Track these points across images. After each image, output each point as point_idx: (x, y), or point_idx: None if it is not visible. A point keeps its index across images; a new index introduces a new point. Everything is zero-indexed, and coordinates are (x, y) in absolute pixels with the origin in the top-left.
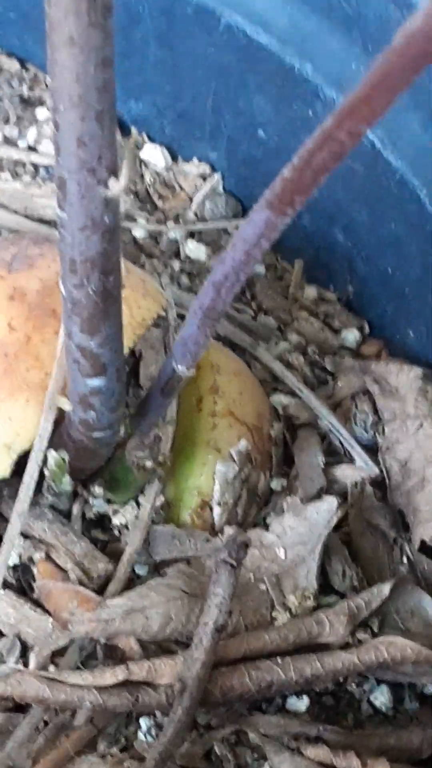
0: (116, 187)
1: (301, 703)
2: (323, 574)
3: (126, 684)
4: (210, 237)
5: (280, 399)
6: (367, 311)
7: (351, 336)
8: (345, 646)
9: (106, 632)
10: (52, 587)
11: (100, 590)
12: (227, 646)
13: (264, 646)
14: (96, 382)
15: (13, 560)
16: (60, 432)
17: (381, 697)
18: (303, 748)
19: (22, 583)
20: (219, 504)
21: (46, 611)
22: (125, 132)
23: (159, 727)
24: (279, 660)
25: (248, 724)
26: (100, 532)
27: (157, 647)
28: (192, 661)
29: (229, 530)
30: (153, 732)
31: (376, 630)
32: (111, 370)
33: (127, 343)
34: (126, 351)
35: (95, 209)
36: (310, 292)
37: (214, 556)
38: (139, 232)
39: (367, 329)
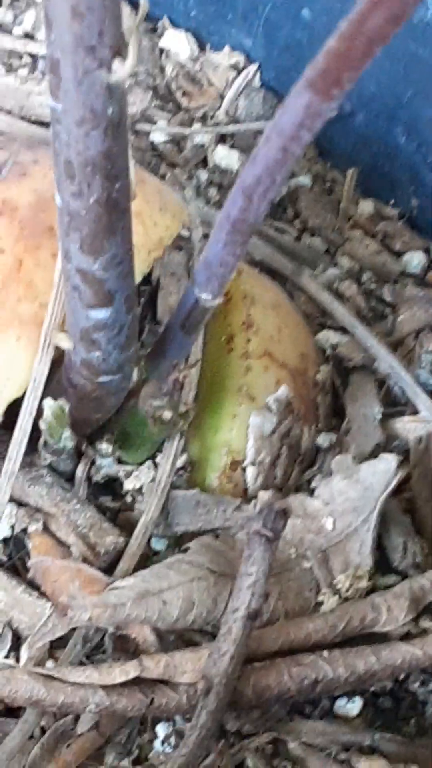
0: (121, 70)
1: (352, 706)
2: (380, 548)
3: (139, 682)
4: (244, 141)
5: (328, 337)
6: None
7: (415, 260)
8: (406, 636)
9: (115, 619)
10: (50, 565)
11: (109, 569)
12: (262, 636)
13: (307, 636)
14: (100, 313)
15: (3, 533)
16: (58, 376)
17: None
18: (354, 761)
19: (14, 561)
20: (253, 464)
21: (43, 594)
22: (136, 6)
23: (179, 734)
24: (325, 653)
25: (288, 731)
26: (109, 499)
27: (177, 638)
28: (219, 655)
29: (264, 495)
30: (171, 741)
31: None
32: (119, 299)
33: (141, 267)
34: (139, 277)
35: (96, 98)
36: (366, 207)
37: (246, 527)
38: (158, 136)
39: None
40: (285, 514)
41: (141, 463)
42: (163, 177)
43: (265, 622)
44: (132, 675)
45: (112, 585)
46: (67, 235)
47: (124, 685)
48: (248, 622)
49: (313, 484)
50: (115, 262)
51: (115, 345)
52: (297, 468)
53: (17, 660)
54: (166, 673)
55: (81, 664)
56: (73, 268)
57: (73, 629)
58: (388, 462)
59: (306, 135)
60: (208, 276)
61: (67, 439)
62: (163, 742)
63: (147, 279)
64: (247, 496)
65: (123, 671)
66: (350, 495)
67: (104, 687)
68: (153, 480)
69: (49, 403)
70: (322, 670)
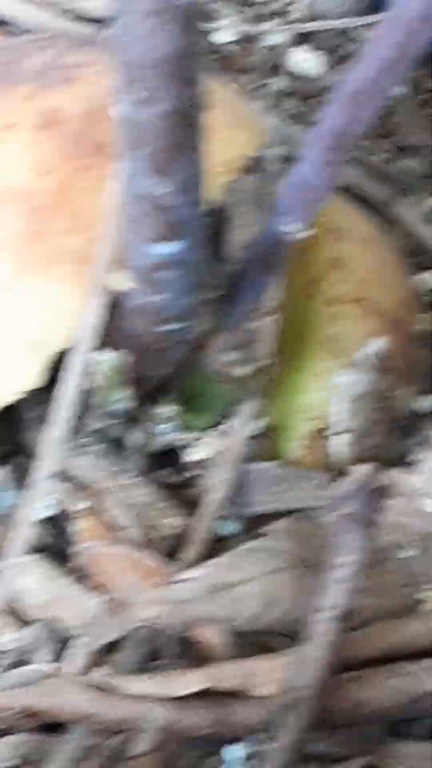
0: None
1: None
2: None
3: (208, 695)
4: (327, 43)
5: (429, 279)
6: None
7: None
8: None
9: (182, 619)
10: (101, 552)
11: (170, 556)
12: (356, 641)
13: (408, 641)
14: (166, 248)
15: (45, 512)
16: (111, 326)
17: None
18: None
19: (56, 547)
20: (340, 432)
21: (92, 588)
22: None
23: (258, 757)
24: (426, 662)
25: (386, 754)
26: (169, 473)
27: (254, 642)
28: (305, 663)
29: (359, 470)
30: (248, 765)
31: None
32: (189, 231)
33: (211, 194)
34: (209, 205)
35: None
36: None
37: (337, 509)
38: (222, 36)
39: None
40: (383, 494)
41: (207, 430)
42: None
43: (359, 623)
44: (200, 686)
45: (175, 577)
46: (129, 153)
47: (190, 698)
48: (338, 623)
49: (412, 457)
50: (186, 186)
51: (181, 287)
52: (393, 437)
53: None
54: (241, 685)
55: (138, 672)
56: (134, 192)
57: (131, 630)
58: None
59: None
60: (295, 203)
61: (124, 399)
62: (236, 767)
63: (218, 210)
64: (334, 471)
65: (189, 682)
66: None
67: (166, 700)
68: (222, 450)
69: (105, 355)
70: (426, 683)
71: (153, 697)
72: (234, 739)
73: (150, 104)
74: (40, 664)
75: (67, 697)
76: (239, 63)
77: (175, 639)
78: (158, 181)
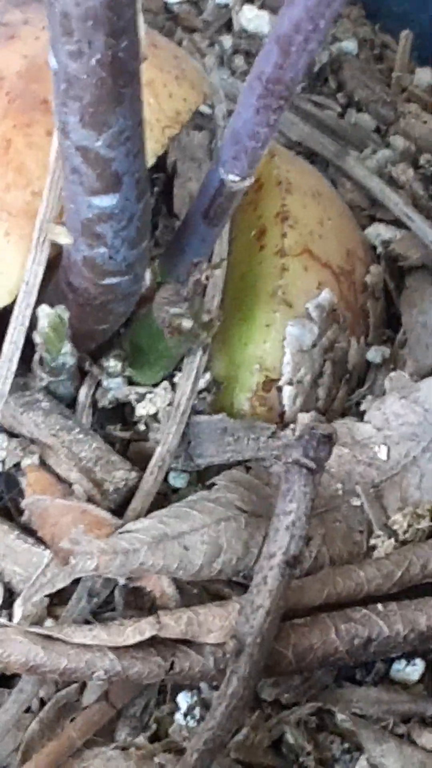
0: None
1: (412, 670)
2: None
3: (156, 643)
4: (275, 1)
5: (379, 231)
6: None
7: None
8: None
9: (127, 568)
10: (49, 505)
11: (119, 510)
12: (304, 587)
13: (358, 586)
14: (105, 201)
15: None
16: (56, 279)
17: None
18: (416, 734)
19: (5, 502)
20: (290, 383)
21: (40, 540)
22: None
23: (205, 705)
24: (380, 607)
25: (335, 700)
26: (118, 428)
27: (202, 590)
28: (252, 610)
29: (305, 418)
30: (196, 713)
31: None
32: (127, 183)
33: (154, 146)
34: (152, 159)
35: None
36: (423, 76)
37: (284, 457)
38: None
39: None
40: (330, 440)
41: (156, 385)
42: (179, 43)
43: (307, 570)
44: (148, 634)
45: (122, 528)
46: (65, 106)
47: (138, 646)
48: (287, 569)
49: (363, 407)
50: (123, 138)
51: (123, 239)
52: (343, 387)
53: (10, 618)
54: (189, 632)
55: (86, 623)
56: (73, 145)
57: (77, 581)
58: None
59: None
60: (236, 152)
61: (66, 354)
62: (185, 715)
63: (161, 164)
64: (284, 422)
65: (137, 630)
66: (408, 419)
67: (115, 649)
68: (170, 404)
69: (45, 310)
70: (377, 627)
71: (102, 647)
72: (187, 686)
73: (82, 56)
74: None
75: (15, 648)
76: (191, 21)
77: (122, 589)
78: (93, 133)
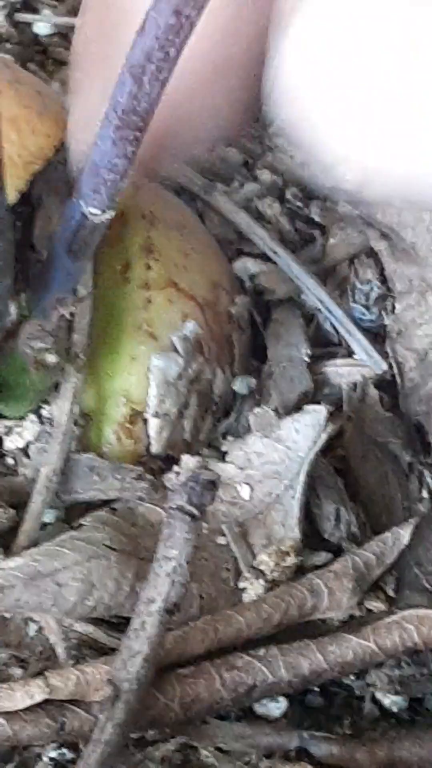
0: None
1: (274, 706)
2: (308, 519)
3: (45, 704)
4: None
5: (246, 265)
6: None
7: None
8: (348, 623)
9: (3, 604)
10: None
11: None
12: (187, 637)
13: (238, 632)
14: None
15: None
16: None
17: (392, 694)
18: None
19: None
20: (156, 415)
21: None
22: None
23: (74, 750)
24: (261, 652)
25: (200, 735)
26: None
27: (82, 643)
28: (130, 656)
29: (189, 462)
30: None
31: (392, 594)
32: None
33: (16, 183)
34: (13, 196)
35: None
36: None
37: (169, 501)
38: (42, 29)
39: None
40: (214, 486)
41: (23, 418)
42: (51, 76)
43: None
44: (38, 698)
45: None
46: None
47: (28, 709)
48: (166, 616)
49: (224, 447)
50: None
51: None
52: (210, 418)
53: None
54: (78, 692)
55: None
56: None
57: None
58: (316, 414)
59: None
60: (95, 184)
61: None
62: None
63: (26, 199)
64: (150, 454)
65: (27, 694)
66: (270, 457)
67: (4, 714)
68: (39, 438)
69: None
70: (260, 674)
71: None
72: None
73: None
74: None
75: None
76: (60, 55)
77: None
78: None
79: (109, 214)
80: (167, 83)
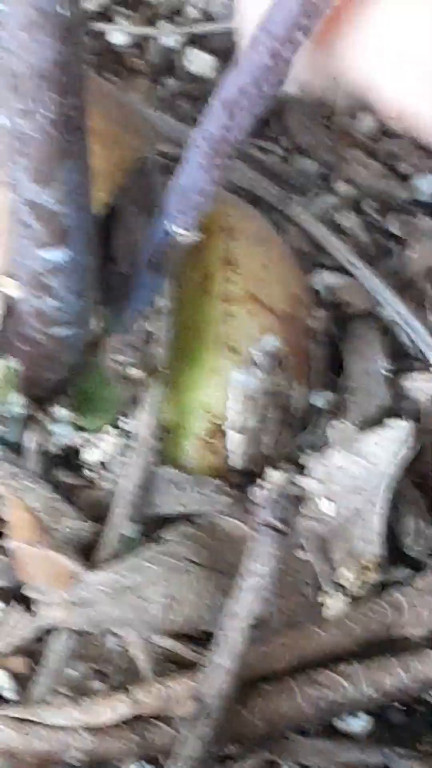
0: None
1: (356, 723)
2: (390, 534)
3: (129, 719)
4: (221, 43)
5: (323, 278)
6: None
7: (425, 184)
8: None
9: (89, 619)
10: (18, 550)
11: (75, 559)
12: (270, 652)
13: (321, 647)
14: (55, 254)
15: None
16: (4, 330)
17: None
18: None
19: None
20: (236, 429)
21: None
22: None
23: (156, 765)
24: (343, 668)
25: (282, 751)
26: (66, 474)
27: (164, 657)
28: (214, 670)
29: (275, 476)
30: None
31: None
32: (77, 236)
33: (100, 197)
34: (99, 208)
35: None
36: (365, 121)
37: (253, 516)
38: (117, 38)
39: None
40: (300, 501)
41: (102, 430)
42: (126, 86)
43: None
44: (122, 713)
45: (81, 579)
46: (14, 162)
47: (112, 724)
48: (250, 631)
49: (303, 460)
50: (72, 193)
51: (72, 291)
52: (288, 432)
53: None
54: (162, 707)
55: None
56: (21, 200)
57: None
58: (399, 429)
59: (301, 37)
60: (182, 206)
61: (16, 404)
62: None
63: (106, 210)
64: (229, 467)
65: (111, 708)
66: (351, 471)
67: (89, 728)
68: (119, 451)
69: None
70: (343, 690)
71: (76, 727)
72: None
73: (30, 115)
74: None
75: None
76: (134, 63)
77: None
78: (42, 189)
79: (194, 235)
80: (260, 114)
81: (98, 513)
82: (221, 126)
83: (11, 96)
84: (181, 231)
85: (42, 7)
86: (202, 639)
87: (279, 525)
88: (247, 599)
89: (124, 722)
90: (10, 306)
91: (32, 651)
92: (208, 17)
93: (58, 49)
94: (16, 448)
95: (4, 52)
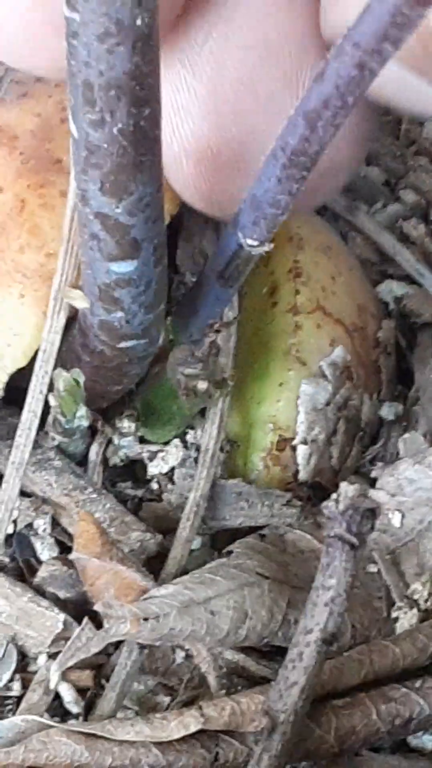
0: None
1: (429, 739)
2: None
3: (199, 734)
4: None
5: (391, 287)
6: None
7: None
8: None
9: (157, 633)
10: (87, 564)
11: (142, 572)
12: (343, 668)
13: (394, 663)
14: (124, 266)
15: (6, 530)
16: (71, 342)
17: None
18: None
19: (18, 563)
20: (305, 442)
21: (57, 602)
22: None
23: None
24: (418, 684)
25: (355, 767)
26: (130, 486)
27: (232, 672)
28: (286, 686)
29: (349, 491)
30: None
31: None
32: (146, 249)
33: (169, 209)
34: (166, 220)
35: (121, 6)
36: None
37: (327, 530)
38: None
39: None
40: (373, 515)
41: (167, 443)
42: None
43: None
44: (192, 728)
45: (149, 593)
46: (85, 173)
47: (182, 739)
48: (323, 646)
49: (374, 473)
50: (142, 205)
51: (140, 304)
52: (357, 445)
53: (24, 683)
54: (233, 723)
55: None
56: (92, 212)
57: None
58: None
59: (390, 49)
60: (255, 217)
61: (81, 417)
62: None
63: (172, 221)
64: (297, 481)
65: (181, 724)
66: (422, 483)
67: (159, 744)
68: (184, 463)
69: (61, 374)
70: (417, 706)
71: (145, 743)
72: None
73: (104, 125)
74: (31, 715)
75: (59, 750)
76: None
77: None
78: (113, 200)
79: (267, 246)
80: (341, 127)
81: (164, 526)
82: (301, 138)
83: (85, 107)
84: (253, 242)
85: (120, 19)
86: (270, 653)
87: (352, 539)
88: (320, 614)
89: (195, 737)
90: (77, 319)
91: (98, 665)
92: None
93: (132, 59)
94: (81, 461)
95: (79, 63)
